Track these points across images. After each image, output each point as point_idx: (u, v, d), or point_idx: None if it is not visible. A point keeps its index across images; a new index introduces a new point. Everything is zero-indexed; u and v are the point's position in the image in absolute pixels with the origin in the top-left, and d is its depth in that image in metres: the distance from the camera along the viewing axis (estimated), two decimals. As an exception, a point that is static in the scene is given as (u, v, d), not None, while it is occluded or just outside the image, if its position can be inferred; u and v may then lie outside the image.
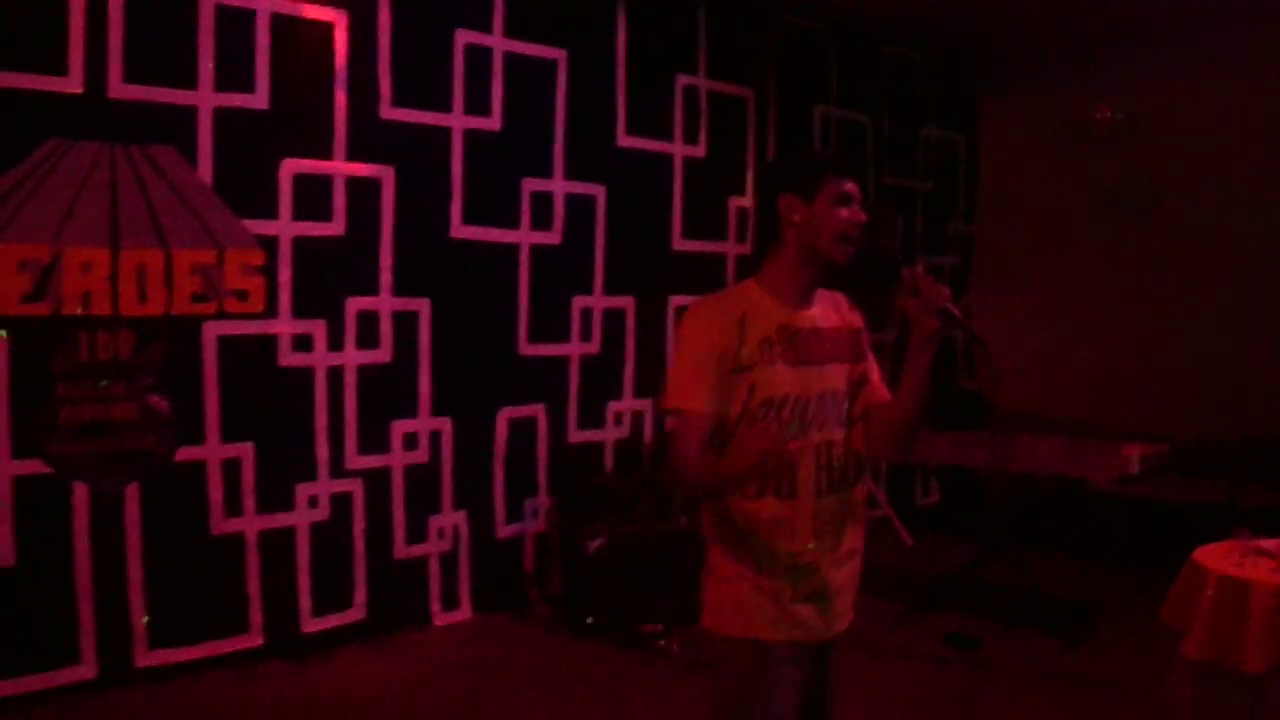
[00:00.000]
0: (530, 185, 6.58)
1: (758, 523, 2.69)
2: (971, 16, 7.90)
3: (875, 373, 2.89)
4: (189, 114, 5.28)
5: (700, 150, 7.38)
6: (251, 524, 5.58)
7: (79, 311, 5.03)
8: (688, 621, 5.95)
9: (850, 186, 2.70)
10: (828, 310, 2.81)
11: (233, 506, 5.52)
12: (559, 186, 6.70)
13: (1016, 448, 6.83)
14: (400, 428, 6.14)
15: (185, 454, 5.38)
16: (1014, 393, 7.97)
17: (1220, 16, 7.47)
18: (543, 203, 6.64)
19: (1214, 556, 4.24)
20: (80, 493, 5.06)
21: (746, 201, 7.63)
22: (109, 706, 4.96)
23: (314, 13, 5.67)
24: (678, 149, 7.26)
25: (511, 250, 6.54)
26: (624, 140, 6.99)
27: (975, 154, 9.44)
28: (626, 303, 7.10)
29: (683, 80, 7.26)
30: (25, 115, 4.84)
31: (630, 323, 7.13)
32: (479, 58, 6.29)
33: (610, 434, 7.08)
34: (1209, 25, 7.59)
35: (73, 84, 4.94)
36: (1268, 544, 4.27)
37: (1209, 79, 7.77)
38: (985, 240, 9.36)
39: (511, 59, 6.41)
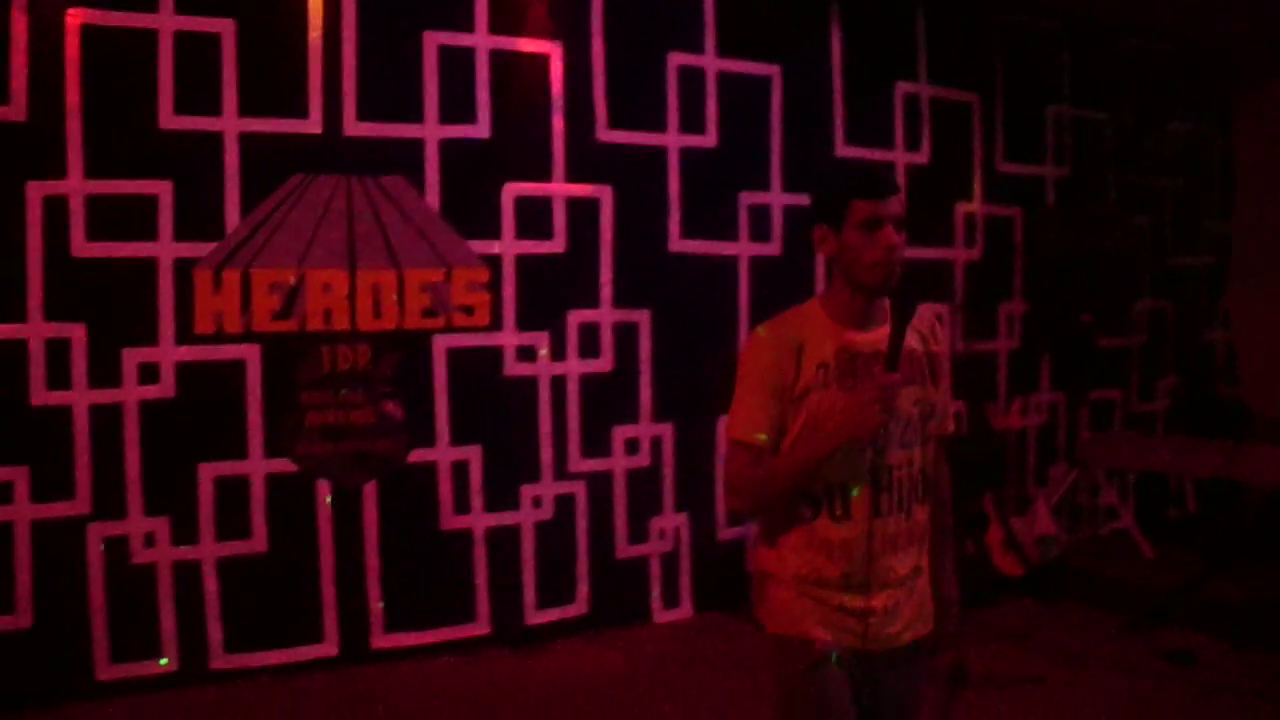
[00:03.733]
0: (748, 199, 6.93)
1: (814, 543, 2.78)
2: (1223, 6, 7.68)
3: (943, 402, 2.95)
4: (416, 146, 5.95)
5: (923, 157, 7.54)
6: (479, 521, 6.18)
7: (321, 327, 5.77)
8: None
9: (874, 208, 2.68)
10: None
11: (461, 504, 6.13)
12: (777, 199, 7.02)
13: (1253, 458, 6.64)
14: (622, 433, 6.60)
15: (418, 456, 6.03)
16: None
17: None
18: (761, 215, 6.98)
19: None
20: (323, 490, 5.80)
21: (974, 207, 7.74)
22: (347, 682, 5.64)
23: (530, 46, 6.24)
24: (899, 157, 7.44)
25: (730, 262, 6.90)
26: (843, 150, 7.22)
27: (1231, 148, 9.11)
28: (850, 310, 7.30)
29: (903, 88, 7.45)
30: (272, 155, 5.63)
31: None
32: (692, 78, 6.70)
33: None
34: None
35: (313, 125, 5.71)
36: None
37: None
38: (1246, 238, 9.01)
39: (725, 77, 6.79)
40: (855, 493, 2.76)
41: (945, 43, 7.60)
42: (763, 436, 2.75)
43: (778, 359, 2.75)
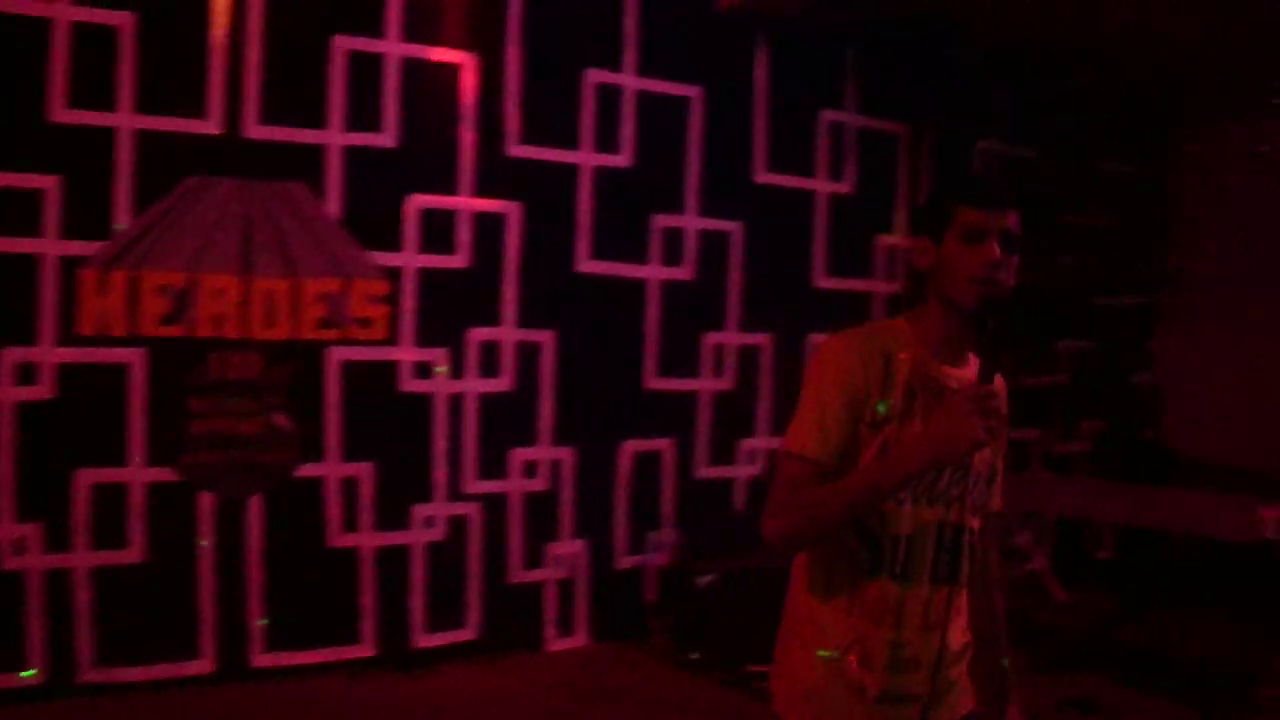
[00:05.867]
0: (661, 221, 7.13)
1: (863, 603, 2.46)
2: (1166, 51, 7.89)
3: (1001, 473, 2.66)
4: (319, 152, 6.09)
5: (846, 187, 7.78)
6: (368, 539, 6.29)
7: (211, 333, 5.88)
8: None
9: (981, 218, 2.38)
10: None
11: (350, 522, 6.24)
12: (692, 223, 7.22)
13: (1168, 503, 6.88)
14: (520, 455, 6.74)
15: (307, 470, 6.15)
16: (1209, 442, 8.03)
17: None
18: (674, 238, 7.18)
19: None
20: (206, 500, 5.90)
21: (896, 239, 7.99)
22: (224, 700, 5.71)
23: (442, 55, 6.40)
24: (822, 185, 7.68)
25: (640, 285, 7.09)
26: (762, 176, 7.45)
27: (1165, 189, 9.45)
28: (763, 340, 7.54)
29: (828, 116, 7.69)
30: (168, 154, 5.73)
31: (766, 360, 7.56)
32: (609, 96, 6.90)
33: (742, 471, 7.53)
34: None
35: (211, 125, 5.83)
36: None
37: None
38: (1176, 279, 9.34)
39: (644, 97, 7.00)
40: (918, 550, 2.45)
41: (875, 73, 7.83)
42: (825, 452, 2.39)
43: (863, 366, 2.40)
